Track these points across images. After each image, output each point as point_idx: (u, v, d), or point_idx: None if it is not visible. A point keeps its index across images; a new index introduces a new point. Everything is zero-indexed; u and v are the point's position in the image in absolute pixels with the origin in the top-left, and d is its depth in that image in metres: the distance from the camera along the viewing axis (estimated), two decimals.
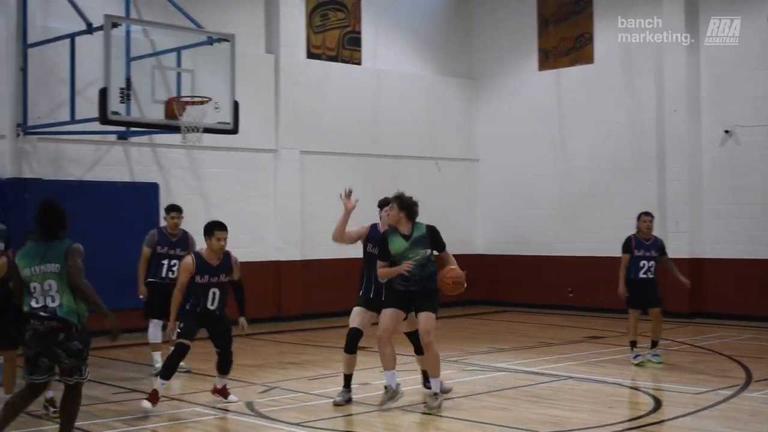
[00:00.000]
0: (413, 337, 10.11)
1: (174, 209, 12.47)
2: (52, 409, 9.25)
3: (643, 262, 12.97)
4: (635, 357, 12.77)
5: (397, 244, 9.55)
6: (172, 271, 11.97)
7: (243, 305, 10.15)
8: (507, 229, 21.59)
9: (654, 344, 12.98)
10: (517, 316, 19.35)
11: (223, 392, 10.10)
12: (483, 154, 22.31)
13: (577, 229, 20.36)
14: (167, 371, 9.68)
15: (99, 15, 13.65)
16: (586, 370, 12.21)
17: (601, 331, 16.22)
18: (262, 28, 18.89)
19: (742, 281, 17.94)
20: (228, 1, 18.22)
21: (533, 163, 21.29)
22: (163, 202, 16.90)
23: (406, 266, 9.45)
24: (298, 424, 8.99)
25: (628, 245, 13.05)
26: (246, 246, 17.84)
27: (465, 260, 20.78)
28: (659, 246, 13.14)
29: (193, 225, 17.31)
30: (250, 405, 9.86)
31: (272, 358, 13.45)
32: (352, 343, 9.88)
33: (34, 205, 15.01)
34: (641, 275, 12.94)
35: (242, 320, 10.07)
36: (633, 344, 12.92)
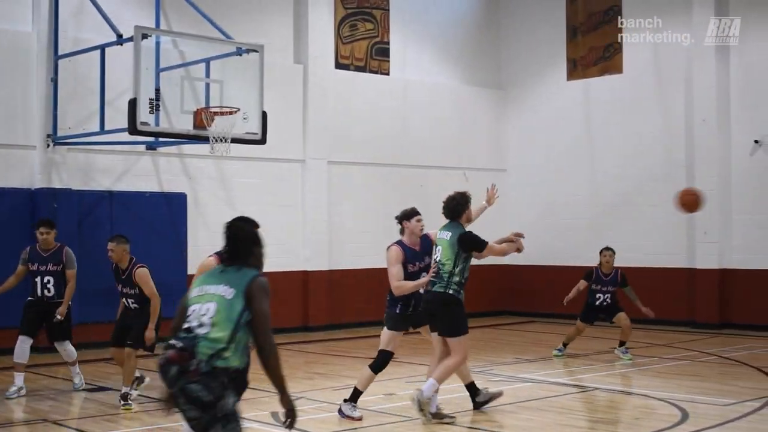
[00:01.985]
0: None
1: (42, 224, 11.76)
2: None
3: (599, 295, 14.37)
4: (559, 350, 14.42)
5: None
6: (47, 289, 11.58)
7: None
8: (535, 240, 21.27)
9: (622, 343, 14.22)
10: (544, 327, 19.28)
11: None
12: (511, 164, 22.29)
13: (606, 239, 20.18)
14: None
15: (129, 26, 13.75)
16: (614, 381, 12.16)
17: (630, 342, 16.14)
18: (291, 38, 18.98)
19: None
20: (257, 12, 18.33)
21: (562, 173, 21.25)
22: (191, 212, 17.08)
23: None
24: None
25: (589, 276, 14.43)
26: (274, 256, 17.92)
27: (493, 270, 21.02)
28: (618, 280, 14.44)
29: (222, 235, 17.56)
30: (275, 415, 9.89)
31: (299, 368, 13.49)
32: (385, 364, 9.86)
33: (64, 215, 15.30)
34: (596, 304, 14.36)
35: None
36: (565, 345, 14.48)
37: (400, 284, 9.65)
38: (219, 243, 14.85)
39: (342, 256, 18.96)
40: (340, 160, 19.26)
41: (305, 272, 18.48)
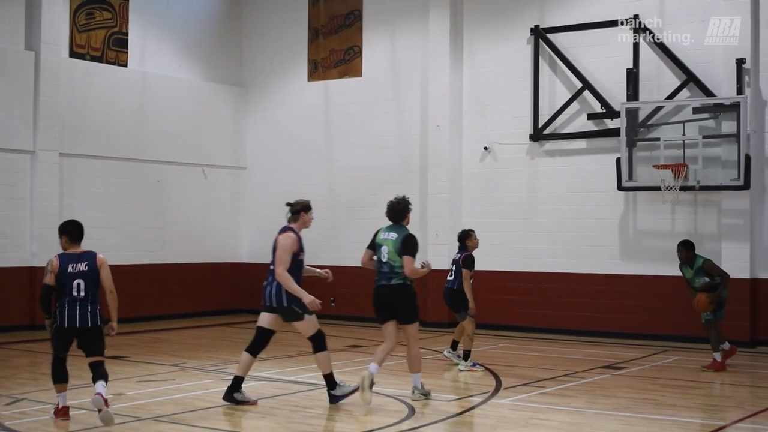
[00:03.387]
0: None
1: None
2: None
3: (472, 279, 13.49)
4: (474, 365, 13.30)
5: None
6: None
7: None
8: (271, 238, 21.49)
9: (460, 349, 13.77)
10: (280, 325, 19.32)
11: None
12: (250, 162, 22.25)
13: (342, 239, 20.59)
14: None
15: None
16: (346, 378, 12.30)
17: (362, 340, 16.45)
18: (23, 23, 18.08)
19: (498, 292, 18.63)
20: None
21: (301, 172, 21.42)
22: None
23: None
24: None
25: (473, 263, 13.40)
26: None
27: (228, 268, 20.88)
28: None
29: None
30: None
31: (23, 369, 12.87)
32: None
33: None
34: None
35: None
36: (466, 351, 13.52)
37: (287, 276, 10.34)
38: None
39: None
40: (73, 152, 18.55)
41: (33, 268, 17.66)
